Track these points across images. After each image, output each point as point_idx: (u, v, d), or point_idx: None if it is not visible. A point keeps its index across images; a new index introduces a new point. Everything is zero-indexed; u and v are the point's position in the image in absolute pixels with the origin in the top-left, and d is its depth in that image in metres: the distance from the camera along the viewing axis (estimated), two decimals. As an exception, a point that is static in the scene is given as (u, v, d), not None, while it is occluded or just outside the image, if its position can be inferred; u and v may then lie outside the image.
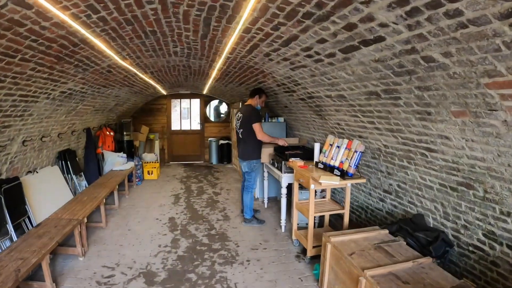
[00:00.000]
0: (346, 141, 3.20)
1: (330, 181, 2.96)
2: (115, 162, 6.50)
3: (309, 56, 2.43)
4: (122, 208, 5.21)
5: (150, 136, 8.41)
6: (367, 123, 2.98)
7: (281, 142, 4.20)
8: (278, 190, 5.12)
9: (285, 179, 3.98)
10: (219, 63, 3.85)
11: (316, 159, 3.69)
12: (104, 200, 4.46)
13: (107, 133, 6.78)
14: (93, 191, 4.72)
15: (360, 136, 3.34)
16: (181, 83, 6.79)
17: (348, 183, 3.11)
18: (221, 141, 8.63)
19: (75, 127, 5.56)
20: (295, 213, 3.70)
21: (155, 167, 7.20)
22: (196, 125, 9.06)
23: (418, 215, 3.10)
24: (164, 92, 8.15)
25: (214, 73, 4.73)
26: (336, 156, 3.25)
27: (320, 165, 3.44)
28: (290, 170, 3.89)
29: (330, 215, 4.07)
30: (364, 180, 3.17)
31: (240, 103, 6.95)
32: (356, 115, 3.02)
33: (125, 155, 6.72)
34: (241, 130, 4.16)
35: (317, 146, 3.69)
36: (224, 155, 8.66)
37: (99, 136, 6.73)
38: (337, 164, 3.21)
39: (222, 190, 6.18)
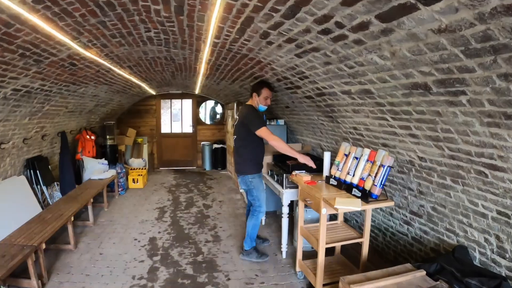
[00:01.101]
0: (367, 151, 2.42)
1: (350, 206, 2.17)
2: (95, 169, 5.70)
3: (326, 31, 1.64)
4: (98, 224, 4.40)
5: (137, 139, 7.60)
6: (398, 128, 2.20)
7: (302, 159, 2.98)
8: (278, 203, 4.33)
9: (287, 195, 3.19)
10: (205, 53, 3.06)
11: (325, 172, 2.90)
12: (73, 218, 3.66)
13: (87, 137, 5.97)
14: (61, 207, 3.92)
15: (384, 145, 2.56)
16: (169, 81, 6.01)
17: (371, 207, 2.33)
18: (215, 145, 7.81)
19: (46, 131, 4.75)
20: (299, 239, 2.91)
21: (141, 175, 6.39)
22: (188, 128, 8.25)
23: (460, 247, 2.33)
24: (152, 92, 7.36)
25: (202, 68, 3.95)
26: (354, 170, 2.47)
27: (333, 181, 2.66)
28: (293, 184, 3.10)
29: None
30: (392, 203, 2.38)
31: (235, 104, 6.16)
32: (383, 117, 2.24)
33: (106, 161, 5.92)
34: (235, 137, 3.31)
35: (327, 156, 2.90)
36: (218, 160, 7.84)
37: (79, 140, 5.93)
38: (355, 181, 2.43)
39: (213, 202, 5.38)
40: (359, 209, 2.18)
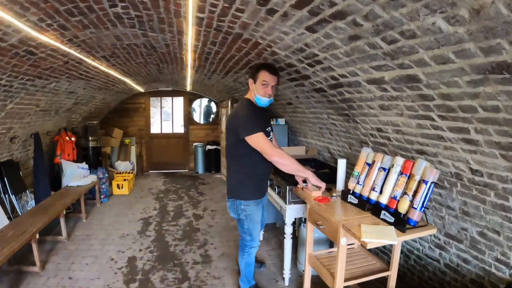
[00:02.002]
0: (400, 160, 1.81)
1: (383, 239, 1.55)
2: (75, 174, 5.05)
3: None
4: (73, 240, 3.76)
5: (125, 140, 6.95)
6: (447, 130, 1.59)
7: (313, 180, 2.17)
8: (278, 213, 3.71)
9: (291, 212, 2.56)
10: (190, 37, 2.43)
11: (340, 184, 2.29)
12: (38, 234, 3.03)
13: (67, 138, 5.31)
14: (26, 220, 3.28)
15: (420, 152, 1.95)
16: (156, 76, 5.38)
17: (410, 238, 1.71)
18: (209, 147, 7.16)
19: (15, 132, 4.10)
20: (307, 268, 2.30)
21: (127, 179, 5.75)
22: (179, 128, 7.59)
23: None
24: (140, 89, 6.71)
25: (189, 58, 3.32)
26: (382, 185, 1.86)
27: (352, 199, 2.04)
28: (298, 199, 2.48)
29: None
30: (435, 230, 1.77)
31: (230, 101, 5.52)
32: (426, 116, 1.62)
33: (86, 166, 5.26)
34: (226, 144, 2.41)
35: (342, 165, 2.29)
36: (212, 163, 7.19)
37: (57, 142, 5.27)
38: (385, 200, 1.82)
39: (205, 211, 4.74)
40: (395, 242, 1.57)
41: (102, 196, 5.30)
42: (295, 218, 2.65)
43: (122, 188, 5.60)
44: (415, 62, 1.32)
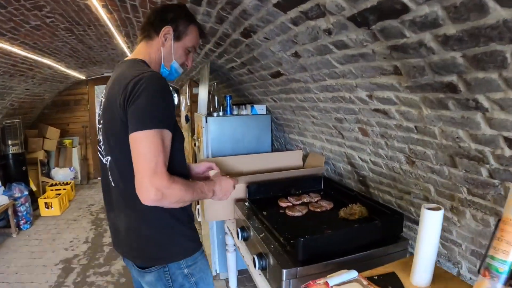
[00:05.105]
0: None
1: None
2: (-22, 195, 3.48)
3: None
4: None
5: (64, 142, 5.32)
6: None
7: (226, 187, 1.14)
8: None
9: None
10: None
11: (422, 277, 0.91)
12: None
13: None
14: None
15: None
16: (89, 55, 3.82)
17: None
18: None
19: None
20: None
21: (59, 194, 4.19)
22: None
23: None
24: (80, 76, 5.07)
25: (97, 4, 1.81)
26: None
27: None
28: None
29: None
30: None
31: (188, 84, 4.00)
32: None
33: (-4, 181, 3.68)
34: (103, 146, 1.06)
35: (434, 222, 0.90)
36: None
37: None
38: None
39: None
40: None
41: (22, 222, 3.75)
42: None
43: (51, 207, 4.03)
44: None
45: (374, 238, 1.16)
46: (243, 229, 1.44)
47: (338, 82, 1.24)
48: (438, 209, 0.90)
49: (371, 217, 1.38)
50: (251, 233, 1.36)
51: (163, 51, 1.09)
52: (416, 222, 1.44)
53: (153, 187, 0.84)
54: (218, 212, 1.68)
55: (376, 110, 1.20)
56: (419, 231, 0.93)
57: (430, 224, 0.90)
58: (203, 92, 2.55)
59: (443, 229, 1.25)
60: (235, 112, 2.37)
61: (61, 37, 2.89)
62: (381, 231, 1.17)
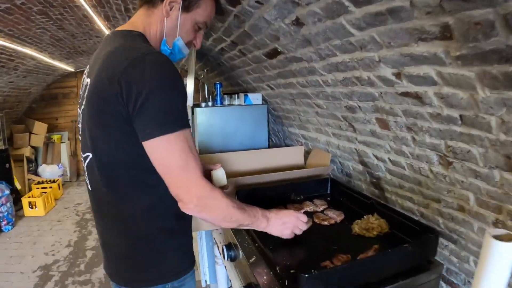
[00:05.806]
0: None
1: None
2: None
3: None
4: None
5: (52, 137, 5.02)
6: None
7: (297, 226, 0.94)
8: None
9: None
10: None
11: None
12: None
13: None
14: None
15: None
16: (72, 43, 3.52)
17: None
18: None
19: None
20: None
21: (45, 193, 3.91)
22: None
23: None
24: (68, 68, 4.75)
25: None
26: None
27: None
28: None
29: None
30: None
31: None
32: None
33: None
34: (82, 138, 0.85)
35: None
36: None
37: None
38: None
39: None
40: None
41: (3, 223, 3.47)
42: None
43: (35, 207, 3.75)
44: None
45: (402, 266, 0.86)
46: (229, 247, 1.14)
47: (354, 57, 0.93)
48: (509, 238, 0.60)
49: (392, 232, 1.08)
50: (240, 254, 1.05)
51: (166, 22, 0.84)
52: (446, 237, 1.14)
53: (193, 197, 0.71)
54: (202, 222, 1.39)
55: (405, 94, 0.89)
56: (480, 267, 0.63)
57: (499, 260, 0.60)
58: (189, 80, 2.24)
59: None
60: (226, 102, 2.05)
61: (38, 22, 2.59)
62: (412, 255, 0.87)
